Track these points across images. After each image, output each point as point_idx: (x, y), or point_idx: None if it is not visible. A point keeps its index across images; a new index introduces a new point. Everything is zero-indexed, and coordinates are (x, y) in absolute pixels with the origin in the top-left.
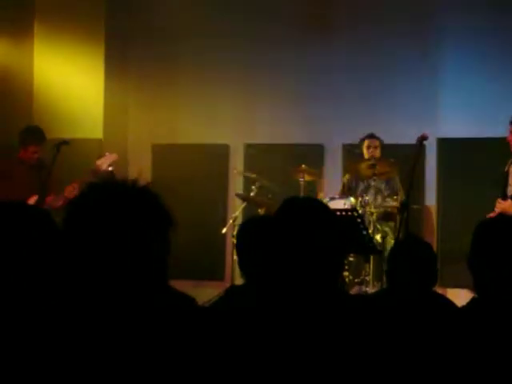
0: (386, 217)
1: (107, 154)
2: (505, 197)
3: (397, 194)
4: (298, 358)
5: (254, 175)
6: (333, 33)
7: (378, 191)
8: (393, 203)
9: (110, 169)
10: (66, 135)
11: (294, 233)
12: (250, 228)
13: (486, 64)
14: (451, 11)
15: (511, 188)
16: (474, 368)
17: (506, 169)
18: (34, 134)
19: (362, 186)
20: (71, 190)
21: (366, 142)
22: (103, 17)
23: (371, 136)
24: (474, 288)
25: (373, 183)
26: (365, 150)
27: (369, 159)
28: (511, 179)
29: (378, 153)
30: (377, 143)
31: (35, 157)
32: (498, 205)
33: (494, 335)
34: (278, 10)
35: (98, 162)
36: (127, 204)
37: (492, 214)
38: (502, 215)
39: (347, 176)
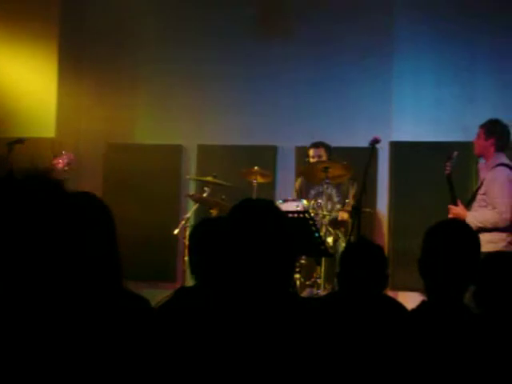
0: (336, 224)
1: (64, 152)
2: (454, 201)
3: (346, 200)
4: (247, 358)
5: (207, 178)
6: (288, 34)
7: (328, 197)
8: (342, 212)
9: (66, 168)
10: (19, 134)
11: (246, 234)
12: (202, 229)
13: (439, 69)
14: (408, 16)
15: (481, 198)
16: (423, 369)
17: (448, 172)
18: None
19: (313, 192)
20: None
21: (310, 152)
22: (57, 14)
23: (315, 145)
24: (424, 291)
25: (324, 188)
26: (310, 159)
27: (323, 162)
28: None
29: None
30: (321, 152)
31: None
32: (450, 211)
33: (443, 338)
34: (234, 9)
35: (55, 161)
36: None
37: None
38: (453, 219)
39: (299, 181)
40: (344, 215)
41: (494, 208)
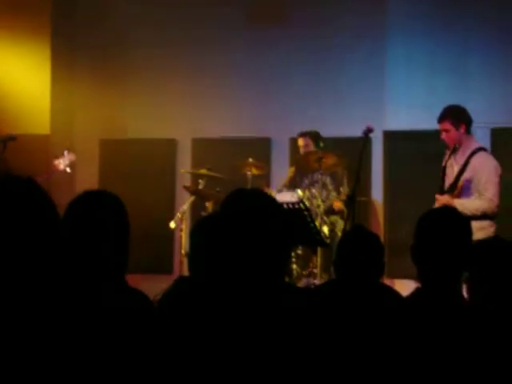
0: (331, 213)
1: (66, 153)
2: (442, 192)
3: (340, 188)
4: (246, 348)
5: (201, 171)
6: (279, 27)
7: (323, 185)
8: (337, 202)
9: (68, 170)
10: (13, 131)
11: (240, 224)
12: (199, 228)
13: (433, 58)
14: (400, 6)
15: (448, 181)
16: (417, 357)
17: (444, 164)
18: None
19: (306, 181)
20: None
21: (299, 141)
22: (49, 11)
23: (302, 134)
24: (417, 278)
25: (319, 177)
26: (300, 149)
27: (316, 152)
28: (449, 173)
29: (311, 149)
30: (308, 141)
31: None
32: (436, 201)
33: (438, 324)
34: (227, 4)
35: (56, 162)
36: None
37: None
38: (445, 206)
39: (292, 169)
40: (339, 204)
41: (482, 194)
